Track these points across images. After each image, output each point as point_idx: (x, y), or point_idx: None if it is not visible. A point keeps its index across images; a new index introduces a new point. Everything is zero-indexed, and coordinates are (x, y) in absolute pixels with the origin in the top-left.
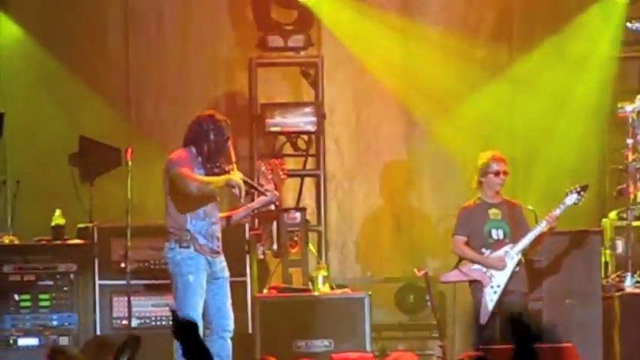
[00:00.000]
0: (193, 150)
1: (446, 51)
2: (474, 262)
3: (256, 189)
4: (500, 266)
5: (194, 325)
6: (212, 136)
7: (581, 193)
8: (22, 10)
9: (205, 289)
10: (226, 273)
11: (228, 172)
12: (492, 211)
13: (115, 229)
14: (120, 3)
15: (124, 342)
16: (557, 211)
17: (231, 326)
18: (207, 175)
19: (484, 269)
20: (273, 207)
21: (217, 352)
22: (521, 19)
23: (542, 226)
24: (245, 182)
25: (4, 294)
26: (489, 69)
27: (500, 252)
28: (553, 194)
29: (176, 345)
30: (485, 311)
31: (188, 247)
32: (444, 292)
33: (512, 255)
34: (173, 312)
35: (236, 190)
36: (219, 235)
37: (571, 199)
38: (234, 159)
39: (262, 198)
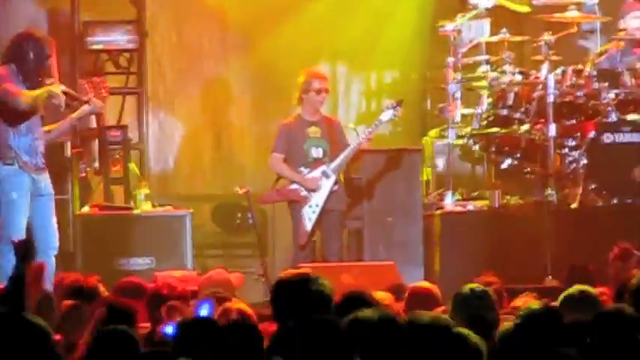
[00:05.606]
0: (13, 67)
1: None
2: (290, 180)
3: (78, 99)
4: (314, 187)
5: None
6: (31, 54)
7: (397, 108)
8: None
9: (29, 207)
10: (50, 190)
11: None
12: (312, 129)
13: None
14: None
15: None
16: (373, 128)
17: (56, 243)
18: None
19: (301, 189)
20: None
21: None
22: None
23: (357, 143)
24: (67, 93)
25: None
26: None
27: (317, 171)
28: (374, 112)
29: None
30: (304, 231)
31: (12, 164)
32: (265, 210)
33: (328, 173)
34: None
35: (56, 100)
36: (43, 150)
37: (386, 115)
38: (56, 74)
39: (85, 107)
